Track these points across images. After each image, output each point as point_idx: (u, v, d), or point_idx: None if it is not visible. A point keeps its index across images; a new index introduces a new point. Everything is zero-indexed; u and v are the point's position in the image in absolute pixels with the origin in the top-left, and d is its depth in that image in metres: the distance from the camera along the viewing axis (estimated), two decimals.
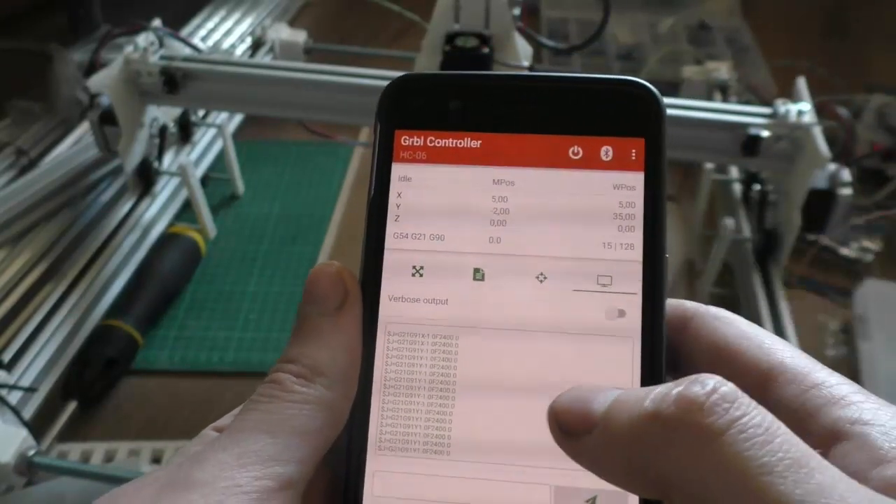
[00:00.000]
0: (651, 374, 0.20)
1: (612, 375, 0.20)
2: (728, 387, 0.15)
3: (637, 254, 0.21)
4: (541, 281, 0.21)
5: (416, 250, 0.22)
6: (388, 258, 0.22)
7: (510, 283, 0.21)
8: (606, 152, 0.21)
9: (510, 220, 0.21)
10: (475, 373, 0.21)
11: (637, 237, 0.21)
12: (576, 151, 0.21)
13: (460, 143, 0.22)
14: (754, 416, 0.15)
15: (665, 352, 0.20)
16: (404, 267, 0.22)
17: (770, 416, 0.15)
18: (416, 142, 0.22)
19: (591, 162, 0.21)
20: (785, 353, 0.19)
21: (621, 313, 0.20)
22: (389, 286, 0.21)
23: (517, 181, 0.22)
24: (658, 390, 0.16)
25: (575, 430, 0.17)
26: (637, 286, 0.21)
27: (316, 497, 0.20)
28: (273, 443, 0.19)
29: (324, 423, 0.20)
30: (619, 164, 0.21)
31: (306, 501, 0.19)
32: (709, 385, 0.15)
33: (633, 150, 0.21)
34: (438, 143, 0.22)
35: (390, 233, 0.22)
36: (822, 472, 0.14)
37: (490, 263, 0.21)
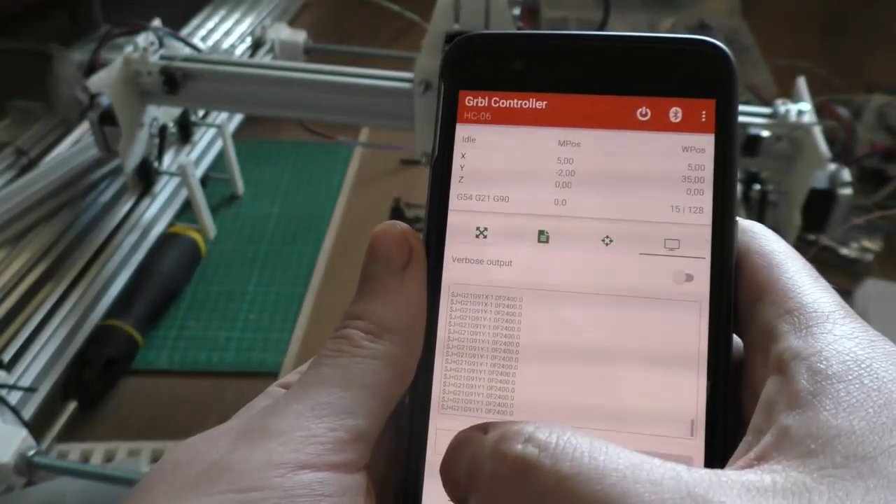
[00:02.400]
0: (718, 339, 0.20)
1: (678, 340, 0.20)
2: (528, 447, 0.16)
3: (706, 217, 0.20)
4: (607, 244, 0.21)
5: (480, 212, 0.21)
6: (452, 219, 0.21)
7: (575, 245, 0.21)
8: (676, 113, 0.21)
9: (576, 182, 0.21)
10: (539, 335, 0.21)
11: (706, 200, 0.20)
12: (644, 113, 0.21)
13: (525, 104, 0.22)
14: (560, 464, 0.15)
15: (732, 316, 0.20)
16: (468, 228, 0.21)
17: (577, 450, 0.15)
18: (481, 102, 0.22)
19: (659, 123, 0.21)
20: (787, 271, 0.19)
21: (689, 278, 0.20)
22: (453, 247, 0.21)
23: (583, 143, 0.21)
24: (485, 457, 0.16)
25: (459, 500, 0.17)
26: (706, 250, 0.20)
27: (382, 452, 0.21)
28: (345, 396, 0.19)
29: (392, 379, 0.20)
30: (688, 125, 0.21)
31: (373, 456, 0.20)
32: (510, 453, 0.16)
33: (704, 112, 0.21)
34: (503, 103, 0.22)
35: (454, 194, 0.22)
36: (632, 475, 0.14)
37: (555, 226, 0.21)
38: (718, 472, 0.15)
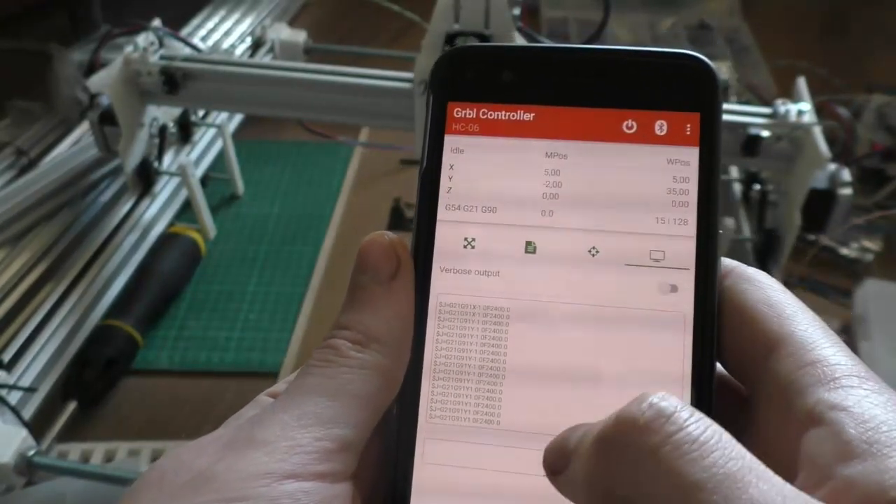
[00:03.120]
0: (703, 350, 0.20)
1: (663, 351, 0.20)
2: (666, 402, 0.15)
3: (691, 229, 0.21)
4: (593, 255, 0.21)
5: (467, 222, 0.22)
6: (440, 230, 0.22)
7: (562, 256, 0.21)
8: (661, 126, 0.21)
9: (563, 193, 0.21)
10: (525, 345, 0.21)
11: (691, 212, 0.21)
12: (630, 125, 0.21)
13: (513, 116, 0.22)
14: (690, 430, 0.15)
15: (717, 327, 0.20)
16: (456, 239, 0.22)
17: (710, 429, 0.15)
18: (469, 114, 0.22)
19: (645, 136, 0.21)
20: (800, 324, 0.19)
21: (673, 288, 0.20)
22: (441, 258, 0.21)
23: (570, 154, 0.21)
24: (610, 414, 0.16)
25: (556, 468, 0.17)
26: (690, 262, 0.20)
27: (370, 462, 0.20)
28: (331, 405, 0.19)
29: (379, 388, 0.20)
30: (673, 138, 0.21)
31: (361, 466, 0.20)
32: (644, 403, 0.15)
33: (688, 125, 0.21)
34: (491, 115, 0.22)
35: (442, 204, 0.22)
36: (758, 485, 0.14)
37: (542, 236, 0.21)
38: None
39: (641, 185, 0.21)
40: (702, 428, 0.15)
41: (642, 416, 0.15)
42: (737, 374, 0.20)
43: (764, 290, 0.20)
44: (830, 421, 0.16)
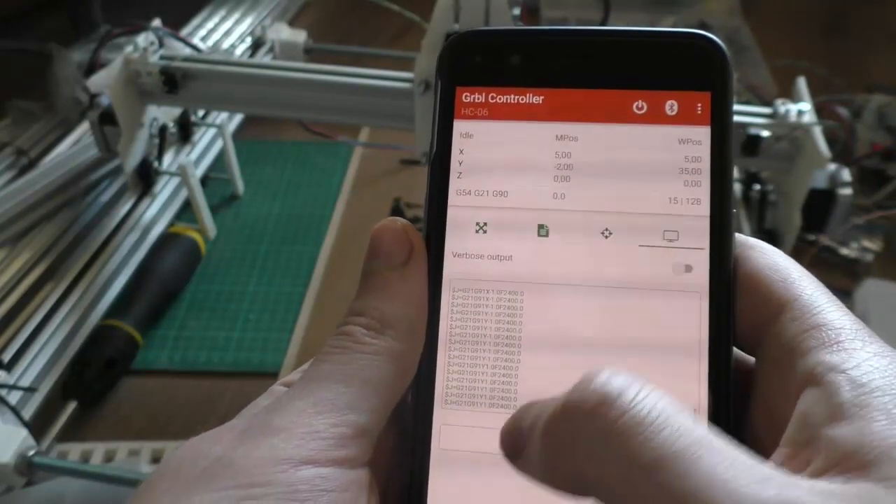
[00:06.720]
0: (718, 329, 0.20)
1: (679, 331, 0.20)
2: (611, 385, 0.15)
3: (704, 209, 0.20)
4: (606, 237, 0.21)
5: (479, 207, 0.22)
6: (452, 215, 0.22)
7: (575, 239, 0.21)
8: (672, 107, 0.21)
9: (574, 175, 0.21)
10: (540, 328, 0.21)
11: (704, 192, 0.21)
12: (640, 106, 0.21)
13: (522, 99, 0.22)
14: (636, 412, 0.15)
15: (733, 306, 0.20)
16: (468, 223, 0.21)
17: (657, 407, 0.15)
18: (478, 98, 0.22)
19: (656, 117, 0.21)
20: (806, 288, 0.19)
21: (688, 268, 0.20)
22: (453, 243, 0.21)
23: (581, 137, 0.21)
24: (557, 397, 0.16)
25: (513, 452, 0.17)
26: (704, 241, 0.20)
27: (386, 448, 0.20)
28: (347, 392, 0.19)
29: (394, 374, 0.20)
30: (684, 118, 0.21)
31: (377, 453, 0.20)
32: (589, 387, 0.15)
33: (699, 105, 0.21)
34: (500, 99, 0.22)
35: (453, 189, 0.22)
36: (709, 458, 0.14)
37: (555, 219, 0.21)
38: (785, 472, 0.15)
39: (653, 166, 0.21)
40: (648, 408, 0.15)
41: (587, 402, 0.15)
42: (744, 342, 0.20)
43: (769, 255, 0.20)
44: (828, 382, 0.16)
